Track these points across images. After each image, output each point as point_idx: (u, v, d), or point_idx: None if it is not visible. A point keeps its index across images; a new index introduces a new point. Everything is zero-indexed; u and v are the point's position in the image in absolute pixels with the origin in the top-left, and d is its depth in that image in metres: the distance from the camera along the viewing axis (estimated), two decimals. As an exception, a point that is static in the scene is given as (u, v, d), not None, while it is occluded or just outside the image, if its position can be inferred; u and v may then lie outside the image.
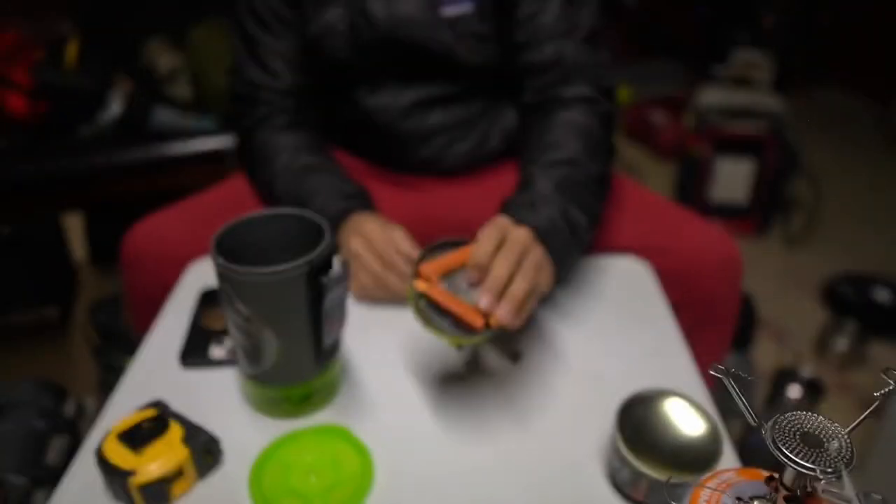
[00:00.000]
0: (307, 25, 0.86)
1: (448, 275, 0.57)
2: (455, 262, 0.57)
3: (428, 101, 0.90)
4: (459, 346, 0.63)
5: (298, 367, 0.61)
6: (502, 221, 0.60)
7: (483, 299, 0.55)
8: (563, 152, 0.77)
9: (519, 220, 0.65)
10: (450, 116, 0.91)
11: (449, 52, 0.85)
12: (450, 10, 0.83)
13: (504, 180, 0.97)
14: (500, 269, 0.56)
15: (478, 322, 0.55)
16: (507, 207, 0.73)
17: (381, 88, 0.89)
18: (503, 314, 0.55)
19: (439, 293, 0.56)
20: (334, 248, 0.58)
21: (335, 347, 0.64)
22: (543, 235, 0.67)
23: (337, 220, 0.78)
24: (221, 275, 0.56)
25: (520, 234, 0.60)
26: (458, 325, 0.56)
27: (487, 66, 0.87)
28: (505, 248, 0.57)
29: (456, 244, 0.59)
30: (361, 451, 0.60)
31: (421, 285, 0.55)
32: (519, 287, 0.56)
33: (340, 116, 0.95)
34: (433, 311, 0.56)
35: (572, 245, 0.72)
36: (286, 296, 0.56)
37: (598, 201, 0.79)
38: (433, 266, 0.57)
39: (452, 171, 0.96)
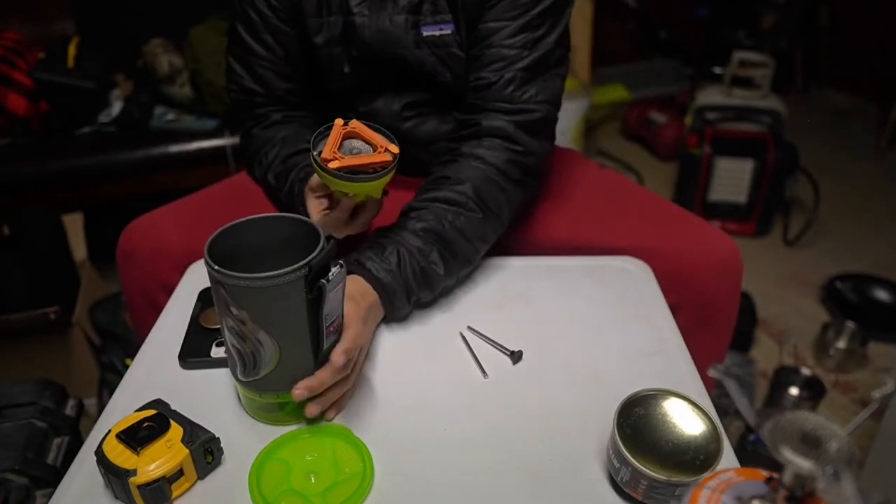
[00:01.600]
0: (311, 38, 0.87)
1: (340, 148, 0.69)
2: (336, 138, 0.69)
3: (419, 104, 0.91)
4: (385, 191, 0.75)
5: (296, 372, 0.61)
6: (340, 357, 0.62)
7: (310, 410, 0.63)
8: (454, 193, 0.78)
9: (363, 266, 0.73)
10: (444, 126, 0.92)
11: (431, 70, 0.86)
12: (430, 31, 0.84)
13: None
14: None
15: (387, 158, 0.69)
16: (363, 247, 0.76)
17: (377, 97, 0.91)
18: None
19: (350, 160, 0.68)
20: (333, 251, 0.59)
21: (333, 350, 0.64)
22: (381, 289, 0.73)
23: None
24: (216, 281, 0.56)
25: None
26: (369, 172, 0.69)
27: (464, 87, 0.87)
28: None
29: (327, 129, 0.70)
30: (361, 451, 0.60)
31: (335, 164, 0.67)
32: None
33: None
34: (351, 175, 0.68)
35: (415, 293, 0.75)
36: (284, 300, 0.56)
37: (470, 248, 0.79)
38: (329, 149, 0.68)
39: None
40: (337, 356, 0.60)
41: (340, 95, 0.92)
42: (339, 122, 0.70)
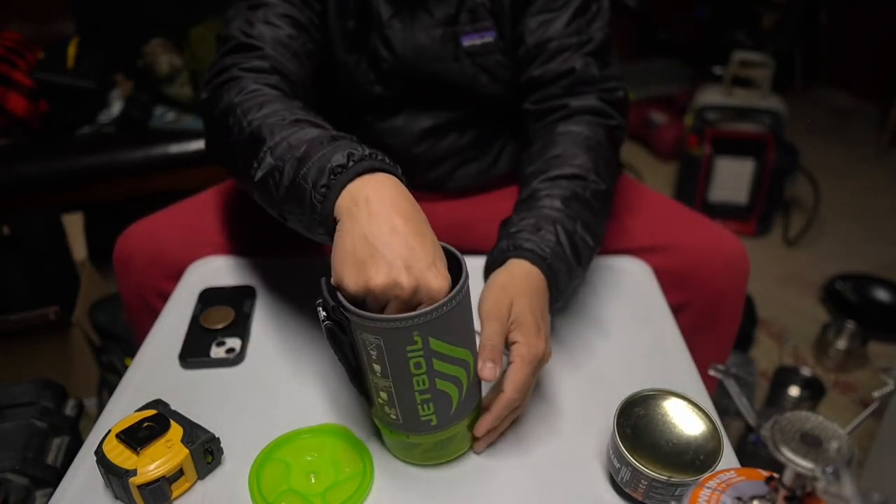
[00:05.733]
0: (329, 29, 0.81)
1: None
2: None
3: (442, 126, 0.88)
4: None
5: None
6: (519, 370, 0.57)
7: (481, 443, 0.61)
8: (569, 167, 0.73)
9: (521, 247, 0.65)
10: (462, 140, 0.89)
11: (469, 84, 0.83)
12: (470, 41, 0.81)
13: (511, 200, 0.96)
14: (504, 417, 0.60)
15: None
16: (509, 230, 0.69)
17: (396, 114, 0.87)
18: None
19: None
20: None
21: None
22: (547, 267, 0.64)
23: (350, 175, 0.53)
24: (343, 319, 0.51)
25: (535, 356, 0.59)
26: None
27: (506, 95, 0.85)
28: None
29: None
30: (361, 451, 0.60)
31: None
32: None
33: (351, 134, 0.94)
34: None
35: (575, 271, 0.68)
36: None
37: (602, 221, 0.74)
38: None
39: (460, 192, 0.95)
40: (513, 383, 0.57)
41: (354, 108, 0.87)
42: None
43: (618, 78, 0.81)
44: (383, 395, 0.54)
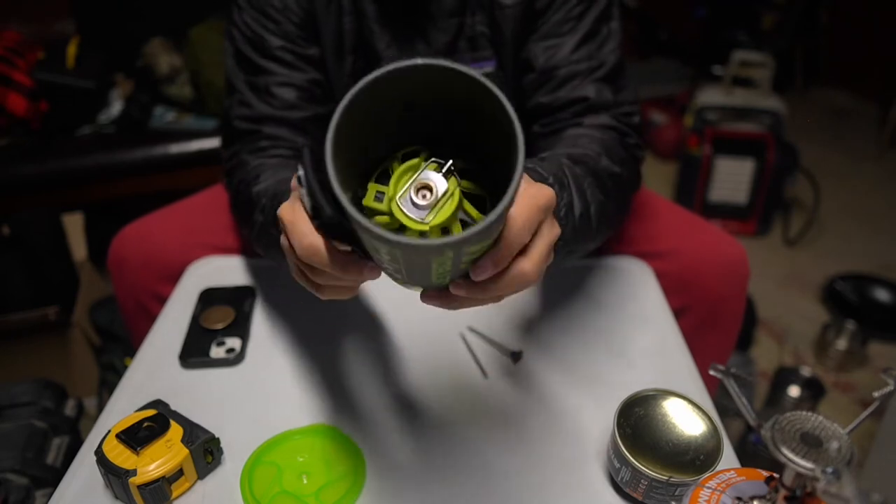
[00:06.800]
0: (329, 72, 0.81)
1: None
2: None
3: None
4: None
5: None
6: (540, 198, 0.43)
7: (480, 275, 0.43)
8: (579, 149, 0.67)
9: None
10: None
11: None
12: None
13: None
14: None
15: None
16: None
17: None
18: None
19: None
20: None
21: None
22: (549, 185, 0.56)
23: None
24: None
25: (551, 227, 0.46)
26: None
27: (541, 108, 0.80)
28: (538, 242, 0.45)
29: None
30: (353, 450, 0.60)
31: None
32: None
33: None
34: None
35: (575, 203, 0.60)
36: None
37: (611, 198, 0.65)
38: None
39: None
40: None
41: None
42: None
43: (633, 102, 0.77)
44: (391, 271, 0.44)
